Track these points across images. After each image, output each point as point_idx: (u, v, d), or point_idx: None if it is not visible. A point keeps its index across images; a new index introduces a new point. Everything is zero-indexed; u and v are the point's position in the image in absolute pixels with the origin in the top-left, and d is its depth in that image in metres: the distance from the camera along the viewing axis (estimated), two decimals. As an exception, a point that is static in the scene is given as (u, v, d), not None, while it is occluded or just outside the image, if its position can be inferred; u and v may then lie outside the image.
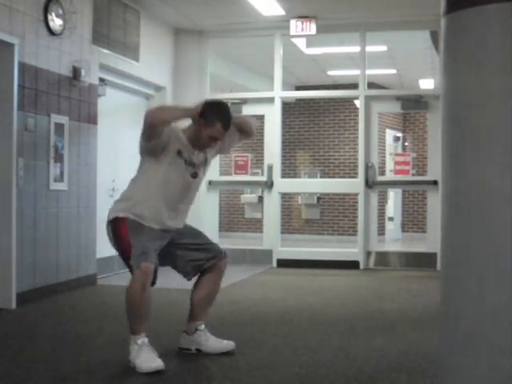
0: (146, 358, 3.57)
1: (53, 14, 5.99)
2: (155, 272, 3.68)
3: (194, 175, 3.85)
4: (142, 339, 3.63)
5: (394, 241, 12.74)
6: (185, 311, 4.09)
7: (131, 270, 3.70)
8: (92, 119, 6.71)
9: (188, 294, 4.06)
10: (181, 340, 4.01)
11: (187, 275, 3.99)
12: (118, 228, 3.79)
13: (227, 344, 3.98)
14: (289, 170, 13.09)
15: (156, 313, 4.79)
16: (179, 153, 3.77)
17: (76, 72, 6.33)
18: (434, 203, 7.99)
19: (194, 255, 3.92)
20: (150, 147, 3.72)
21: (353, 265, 8.33)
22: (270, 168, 8.72)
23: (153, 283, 3.71)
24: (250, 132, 4.07)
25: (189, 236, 3.97)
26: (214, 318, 4.81)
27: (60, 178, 6.16)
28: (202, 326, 3.97)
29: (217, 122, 3.72)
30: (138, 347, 3.60)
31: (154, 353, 3.64)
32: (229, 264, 4.02)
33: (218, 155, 4.18)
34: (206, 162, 3.93)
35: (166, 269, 4.02)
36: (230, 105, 3.85)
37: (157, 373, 3.52)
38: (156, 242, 3.75)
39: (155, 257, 3.70)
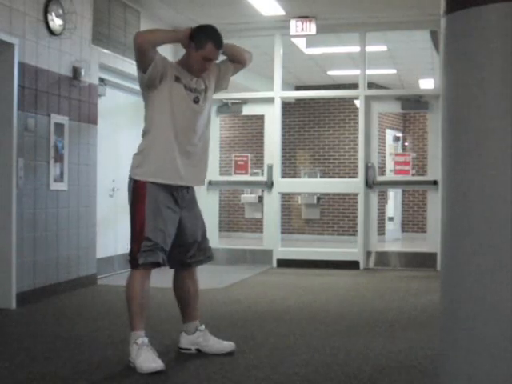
0: (146, 358, 3.57)
1: (53, 13, 5.99)
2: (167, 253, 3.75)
3: (196, 99, 3.82)
4: (142, 339, 3.63)
5: (394, 241, 12.74)
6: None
7: (132, 254, 3.70)
8: (92, 119, 6.71)
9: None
10: (180, 340, 4.00)
11: (169, 260, 3.93)
12: (138, 194, 3.73)
13: (227, 345, 3.97)
14: (289, 170, 13.09)
15: (156, 312, 4.80)
16: (177, 79, 3.77)
17: (76, 72, 6.34)
18: (434, 203, 8.00)
19: (187, 248, 3.90)
20: (148, 77, 3.73)
21: (353, 265, 8.33)
22: (270, 168, 8.72)
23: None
24: (242, 59, 4.04)
25: (193, 223, 3.92)
26: (214, 318, 4.81)
27: (60, 178, 6.16)
28: (202, 327, 3.97)
29: (208, 42, 3.74)
30: (137, 347, 3.60)
31: (154, 353, 3.63)
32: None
33: (218, 91, 4.13)
34: (206, 90, 3.89)
35: (165, 269, 4.02)
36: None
37: (157, 373, 3.52)
38: (169, 221, 3.72)
39: (161, 255, 3.71)
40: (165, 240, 3.72)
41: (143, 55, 3.68)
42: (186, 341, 3.97)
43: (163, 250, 3.72)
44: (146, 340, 3.64)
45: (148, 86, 3.80)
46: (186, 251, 3.91)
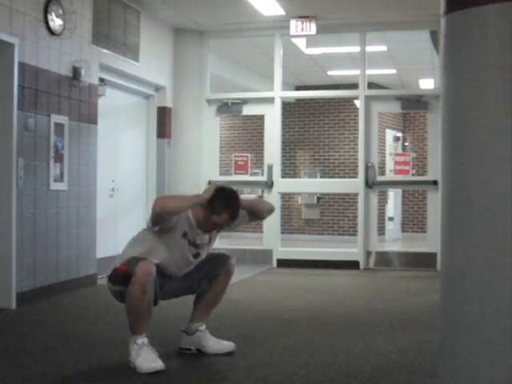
0: (146, 358, 3.56)
1: (53, 13, 5.99)
2: (156, 293, 3.65)
3: (196, 256, 3.86)
4: (142, 339, 3.62)
5: (394, 241, 12.73)
6: (185, 311, 4.10)
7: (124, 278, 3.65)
8: (92, 119, 6.71)
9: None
10: (181, 340, 4.00)
11: (204, 289, 3.97)
12: (117, 272, 3.76)
13: (227, 345, 3.97)
14: (289, 170, 13.09)
15: (156, 312, 4.79)
16: (184, 234, 3.77)
17: (76, 72, 6.33)
18: (434, 203, 8.00)
19: (202, 271, 3.92)
20: (156, 230, 3.73)
21: (353, 265, 8.33)
22: (270, 168, 8.72)
23: (155, 303, 3.69)
24: (260, 216, 4.05)
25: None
26: (214, 318, 4.80)
27: (60, 178, 6.16)
28: (203, 327, 3.97)
29: (224, 212, 3.69)
30: (138, 347, 3.60)
31: (154, 353, 3.63)
32: (235, 265, 3.98)
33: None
34: (209, 242, 3.93)
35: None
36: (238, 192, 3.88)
37: (157, 373, 3.52)
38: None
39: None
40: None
41: (160, 219, 3.66)
42: (187, 341, 3.97)
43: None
44: (146, 340, 3.63)
45: (153, 233, 3.78)
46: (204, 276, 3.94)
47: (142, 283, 3.54)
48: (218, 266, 3.93)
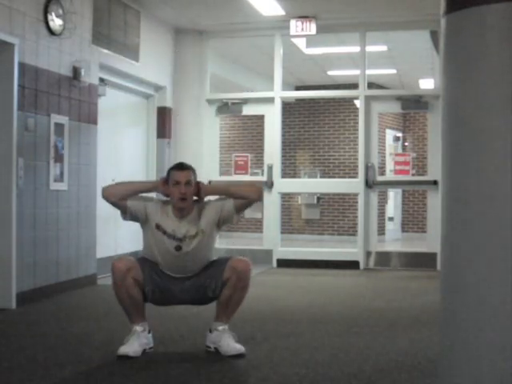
0: (127, 343, 3.82)
1: (53, 13, 5.99)
2: (151, 294, 3.90)
3: (178, 248, 3.88)
4: (135, 328, 3.86)
5: (394, 241, 12.74)
6: (186, 310, 4.10)
7: None
8: (92, 119, 6.71)
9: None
10: (206, 338, 4.04)
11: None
12: None
13: (233, 349, 3.89)
14: (289, 170, 13.09)
15: (157, 312, 4.79)
16: (158, 227, 3.89)
17: (76, 72, 6.34)
18: (434, 203, 8.00)
19: (208, 278, 3.94)
20: (128, 220, 4.01)
21: (353, 265, 8.33)
22: (270, 168, 8.72)
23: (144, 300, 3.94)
24: (241, 195, 3.96)
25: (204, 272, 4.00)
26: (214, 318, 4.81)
27: (60, 178, 6.16)
28: (221, 327, 3.94)
29: (171, 171, 3.91)
30: (131, 334, 3.87)
31: (139, 340, 3.83)
32: (243, 261, 3.93)
33: (223, 226, 4.04)
34: (198, 234, 3.90)
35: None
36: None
37: (128, 358, 3.58)
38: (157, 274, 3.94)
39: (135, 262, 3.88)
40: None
41: (114, 205, 3.99)
42: (208, 338, 4.01)
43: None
44: (138, 328, 3.86)
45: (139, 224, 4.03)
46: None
47: (113, 280, 3.83)
48: (222, 268, 3.91)
